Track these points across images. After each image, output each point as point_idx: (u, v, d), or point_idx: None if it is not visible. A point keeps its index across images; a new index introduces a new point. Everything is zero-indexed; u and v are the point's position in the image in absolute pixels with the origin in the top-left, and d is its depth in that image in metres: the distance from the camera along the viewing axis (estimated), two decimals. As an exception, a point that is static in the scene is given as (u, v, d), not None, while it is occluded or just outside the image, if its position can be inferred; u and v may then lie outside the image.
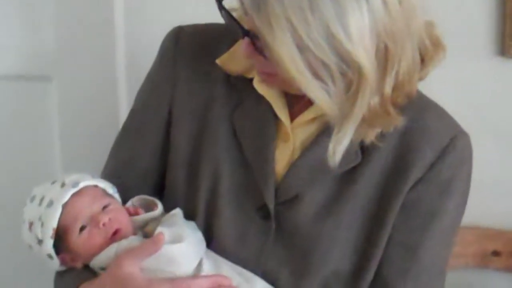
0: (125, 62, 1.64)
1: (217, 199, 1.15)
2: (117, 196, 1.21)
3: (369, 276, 1.14)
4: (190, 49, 1.20)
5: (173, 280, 1.07)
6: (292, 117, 1.14)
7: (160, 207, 1.19)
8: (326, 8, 0.91)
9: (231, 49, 1.16)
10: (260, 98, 1.14)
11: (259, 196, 1.14)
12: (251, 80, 1.15)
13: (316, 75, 0.95)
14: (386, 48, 0.96)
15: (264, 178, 1.13)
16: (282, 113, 1.13)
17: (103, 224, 1.13)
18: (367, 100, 0.98)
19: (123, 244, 1.12)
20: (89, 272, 1.15)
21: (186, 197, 1.18)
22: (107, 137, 1.31)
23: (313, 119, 1.12)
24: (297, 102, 1.13)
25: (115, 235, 1.13)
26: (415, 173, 1.11)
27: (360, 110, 0.98)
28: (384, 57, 0.97)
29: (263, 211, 1.14)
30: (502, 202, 1.61)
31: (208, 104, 1.18)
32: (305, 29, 0.92)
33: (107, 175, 1.25)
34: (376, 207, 1.12)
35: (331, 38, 0.92)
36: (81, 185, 1.16)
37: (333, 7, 0.91)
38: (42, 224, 1.13)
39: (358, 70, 0.95)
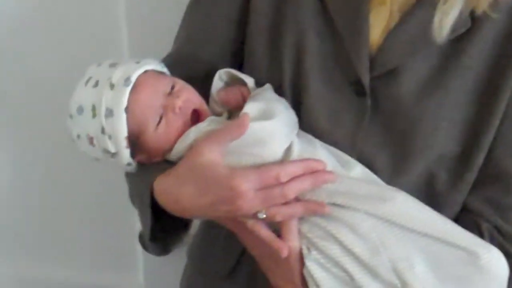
0: None
1: (303, 72, 1.05)
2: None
3: (479, 159, 1.03)
4: None
5: (259, 168, 0.98)
6: None
7: (249, 83, 1.08)
8: None
9: None
10: None
11: (352, 69, 1.03)
12: None
13: None
14: None
15: (356, 47, 1.02)
16: None
17: (179, 108, 1.03)
18: None
19: (201, 127, 1.03)
20: (166, 163, 1.06)
21: (269, 70, 1.09)
22: (177, 6, 1.20)
23: None
24: None
25: (195, 117, 1.05)
26: None
27: None
28: None
29: (357, 87, 1.03)
30: None
31: None
32: None
33: (179, 48, 1.16)
34: (488, 82, 1.01)
35: None
36: (133, 78, 1.04)
37: None
38: (110, 137, 1.03)
39: None
